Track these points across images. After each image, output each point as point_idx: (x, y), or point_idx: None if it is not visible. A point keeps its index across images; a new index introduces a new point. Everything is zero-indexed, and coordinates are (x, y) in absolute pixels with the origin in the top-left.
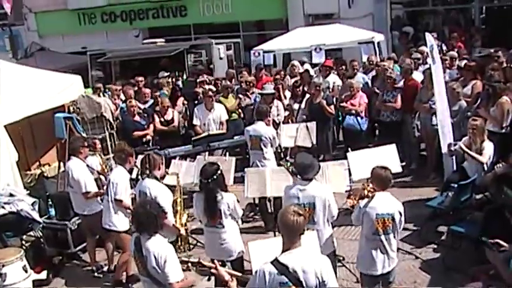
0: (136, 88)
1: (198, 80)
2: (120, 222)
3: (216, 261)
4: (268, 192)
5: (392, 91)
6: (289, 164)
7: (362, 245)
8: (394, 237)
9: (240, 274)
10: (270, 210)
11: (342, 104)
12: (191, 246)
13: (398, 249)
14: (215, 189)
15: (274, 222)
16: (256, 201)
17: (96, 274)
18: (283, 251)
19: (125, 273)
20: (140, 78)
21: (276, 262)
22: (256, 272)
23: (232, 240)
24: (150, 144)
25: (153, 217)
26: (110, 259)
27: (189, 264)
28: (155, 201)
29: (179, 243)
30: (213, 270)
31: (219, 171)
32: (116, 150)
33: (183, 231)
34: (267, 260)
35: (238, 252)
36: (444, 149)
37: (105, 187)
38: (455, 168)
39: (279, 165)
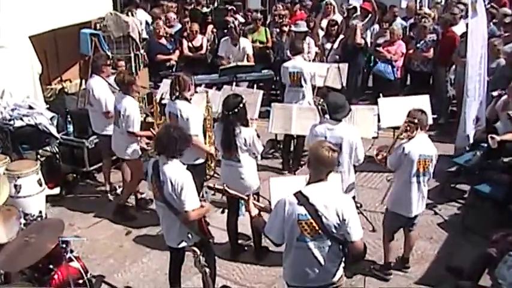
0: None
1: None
2: (133, 151)
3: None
4: (292, 130)
5: (426, 40)
6: (321, 101)
7: (398, 188)
8: (428, 179)
9: (263, 205)
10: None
11: (377, 49)
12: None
13: None
14: (234, 123)
15: (297, 160)
16: (278, 138)
17: (109, 195)
18: (308, 184)
19: (133, 196)
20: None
21: (298, 193)
22: (278, 201)
23: (248, 176)
24: (174, 69)
25: (173, 140)
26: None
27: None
28: (180, 127)
29: (209, 161)
30: (243, 202)
31: (241, 105)
32: (118, 81)
33: (212, 150)
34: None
35: (254, 189)
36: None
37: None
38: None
39: None
